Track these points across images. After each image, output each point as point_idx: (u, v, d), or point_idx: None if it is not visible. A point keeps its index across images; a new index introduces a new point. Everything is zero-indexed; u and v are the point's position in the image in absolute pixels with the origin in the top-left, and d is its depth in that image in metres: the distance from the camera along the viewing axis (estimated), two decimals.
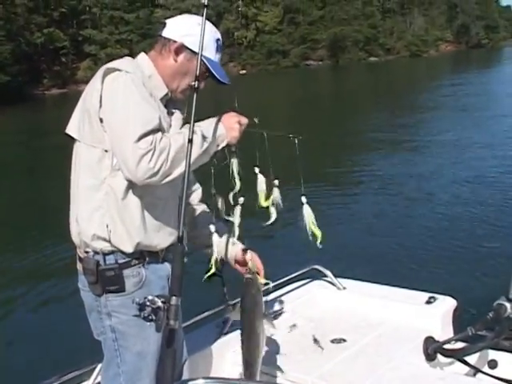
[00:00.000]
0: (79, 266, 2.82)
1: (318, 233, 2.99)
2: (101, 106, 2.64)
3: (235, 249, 3.20)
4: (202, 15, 2.67)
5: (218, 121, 2.79)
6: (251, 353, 2.94)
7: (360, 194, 13.31)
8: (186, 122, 2.81)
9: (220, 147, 2.79)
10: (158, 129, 2.60)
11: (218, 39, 2.87)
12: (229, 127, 2.77)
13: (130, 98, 2.60)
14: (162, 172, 2.55)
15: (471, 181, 13.43)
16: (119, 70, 2.66)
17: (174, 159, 2.57)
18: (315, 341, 3.74)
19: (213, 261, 2.98)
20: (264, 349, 3.01)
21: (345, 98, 37.16)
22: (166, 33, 2.86)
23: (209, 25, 2.75)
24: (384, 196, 12.82)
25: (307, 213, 2.99)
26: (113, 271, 2.72)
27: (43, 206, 14.15)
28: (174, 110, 2.87)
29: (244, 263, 3.18)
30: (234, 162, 2.89)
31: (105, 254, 2.72)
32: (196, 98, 2.61)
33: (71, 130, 2.79)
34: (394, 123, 23.62)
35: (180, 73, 2.83)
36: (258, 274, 3.09)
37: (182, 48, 2.81)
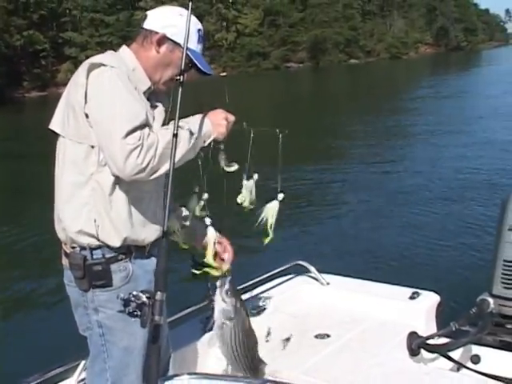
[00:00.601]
0: (65, 261, 2.80)
1: (270, 235, 3.04)
2: (86, 101, 2.61)
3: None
4: (188, 8, 2.66)
5: (205, 117, 2.78)
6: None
7: (343, 192, 13.32)
8: (171, 117, 2.81)
9: (206, 143, 2.78)
10: (145, 124, 2.59)
11: (199, 29, 2.86)
12: (216, 123, 2.77)
13: (116, 94, 2.58)
14: (149, 168, 2.54)
15: (453, 179, 13.51)
16: (104, 64, 2.63)
17: (161, 155, 2.55)
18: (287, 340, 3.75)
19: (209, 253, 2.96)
20: None
21: (325, 101, 37.18)
22: (147, 24, 2.84)
23: (191, 16, 2.72)
24: (367, 193, 12.84)
25: (272, 209, 3.00)
26: (100, 266, 2.70)
27: (25, 205, 14.04)
28: (156, 104, 2.85)
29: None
30: (222, 159, 2.89)
31: (92, 249, 2.70)
32: (181, 92, 2.60)
33: (55, 125, 2.76)
34: (375, 124, 23.71)
35: (162, 64, 2.81)
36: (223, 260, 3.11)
37: (163, 39, 2.79)
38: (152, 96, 2.85)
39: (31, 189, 15.31)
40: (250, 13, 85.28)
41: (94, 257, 2.70)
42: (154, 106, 2.82)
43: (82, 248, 2.71)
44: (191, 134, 2.67)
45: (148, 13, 2.89)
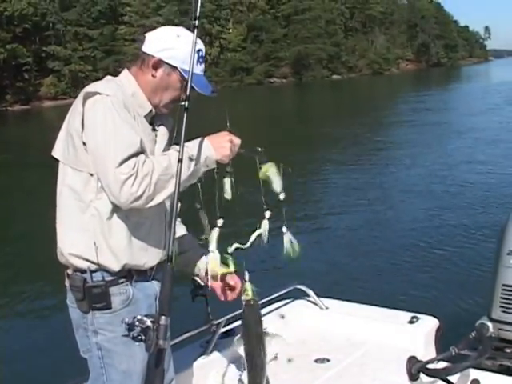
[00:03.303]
0: (67, 282, 2.80)
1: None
2: (83, 129, 2.61)
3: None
4: (193, 33, 2.63)
5: (207, 140, 2.73)
6: (257, 376, 2.88)
7: (340, 215, 13.23)
8: (175, 142, 2.79)
9: (210, 167, 2.75)
10: (141, 152, 2.58)
11: (199, 50, 2.79)
12: (218, 146, 2.72)
13: (109, 122, 2.57)
14: (145, 196, 2.53)
15: (450, 202, 13.48)
16: (99, 93, 2.62)
17: (157, 183, 2.54)
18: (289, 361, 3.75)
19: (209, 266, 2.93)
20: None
21: (308, 116, 37.32)
22: (145, 47, 2.81)
23: (189, 36, 2.71)
24: (363, 217, 12.81)
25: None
26: (99, 288, 2.70)
27: (21, 220, 13.99)
28: (159, 127, 2.84)
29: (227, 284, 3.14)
30: (227, 182, 2.86)
31: (92, 272, 2.70)
32: (186, 118, 2.57)
33: (57, 152, 2.76)
34: (360, 141, 23.81)
35: (160, 88, 2.79)
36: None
37: (159, 63, 2.77)
38: (155, 119, 2.84)
39: (20, 203, 15.26)
40: (234, 28, 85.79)
41: (94, 279, 2.70)
42: (156, 130, 2.82)
43: (83, 271, 2.71)
44: (190, 159, 2.64)
45: (146, 35, 2.86)
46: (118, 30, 71.19)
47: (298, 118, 36.75)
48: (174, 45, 2.74)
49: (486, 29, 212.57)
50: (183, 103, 2.62)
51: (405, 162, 18.89)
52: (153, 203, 2.58)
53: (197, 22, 2.63)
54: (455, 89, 56.25)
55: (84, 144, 2.62)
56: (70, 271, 2.77)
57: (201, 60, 2.83)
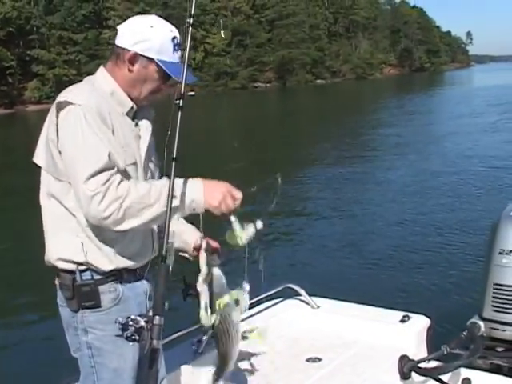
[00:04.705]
0: (57, 281, 2.76)
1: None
2: (58, 140, 2.56)
3: (194, 236, 3.03)
4: (187, 32, 2.63)
5: (201, 184, 2.63)
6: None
7: (331, 215, 13.27)
8: (167, 153, 2.68)
9: (197, 211, 2.64)
10: (112, 166, 2.51)
11: (174, 37, 2.74)
12: (209, 195, 2.61)
13: (79, 136, 2.51)
14: (112, 219, 2.47)
15: (442, 201, 13.56)
16: (72, 103, 2.55)
17: (128, 209, 2.47)
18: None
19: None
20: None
21: (291, 121, 37.31)
22: (118, 41, 2.73)
23: (162, 25, 2.69)
24: (354, 217, 12.89)
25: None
26: (88, 287, 2.67)
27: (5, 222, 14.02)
28: (141, 122, 2.79)
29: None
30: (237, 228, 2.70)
31: (81, 271, 2.67)
32: (181, 116, 2.55)
33: (38, 159, 2.70)
34: (345, 145, 23.89)
35: (139, 81, 2.73)
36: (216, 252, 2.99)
37: (135, 57, 2.69)
38: (138, 113, 2.79)
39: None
40: (218, 33, 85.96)
41: (83, 278, 2.67)
42: (138, 124, 2.77)
43: (72, 270, 2.67)
44: (173, 196, 2.53)
45: (119, 27, 2.77)
46: (102, 34, 71.04)
47: (282, 124, 36.73)
48: (148, 36, 2.67)
49: (468, 34, 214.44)
50: (177, 101, 2.59)
51: (391, 164, 18.98)
52: (121, 228, 2.51)
53: (191, 20, 2.63)
54: (437, 94, 56.61)
55: (60, 153, 2.57)
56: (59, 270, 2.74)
57: (176, 48, 2.75)
